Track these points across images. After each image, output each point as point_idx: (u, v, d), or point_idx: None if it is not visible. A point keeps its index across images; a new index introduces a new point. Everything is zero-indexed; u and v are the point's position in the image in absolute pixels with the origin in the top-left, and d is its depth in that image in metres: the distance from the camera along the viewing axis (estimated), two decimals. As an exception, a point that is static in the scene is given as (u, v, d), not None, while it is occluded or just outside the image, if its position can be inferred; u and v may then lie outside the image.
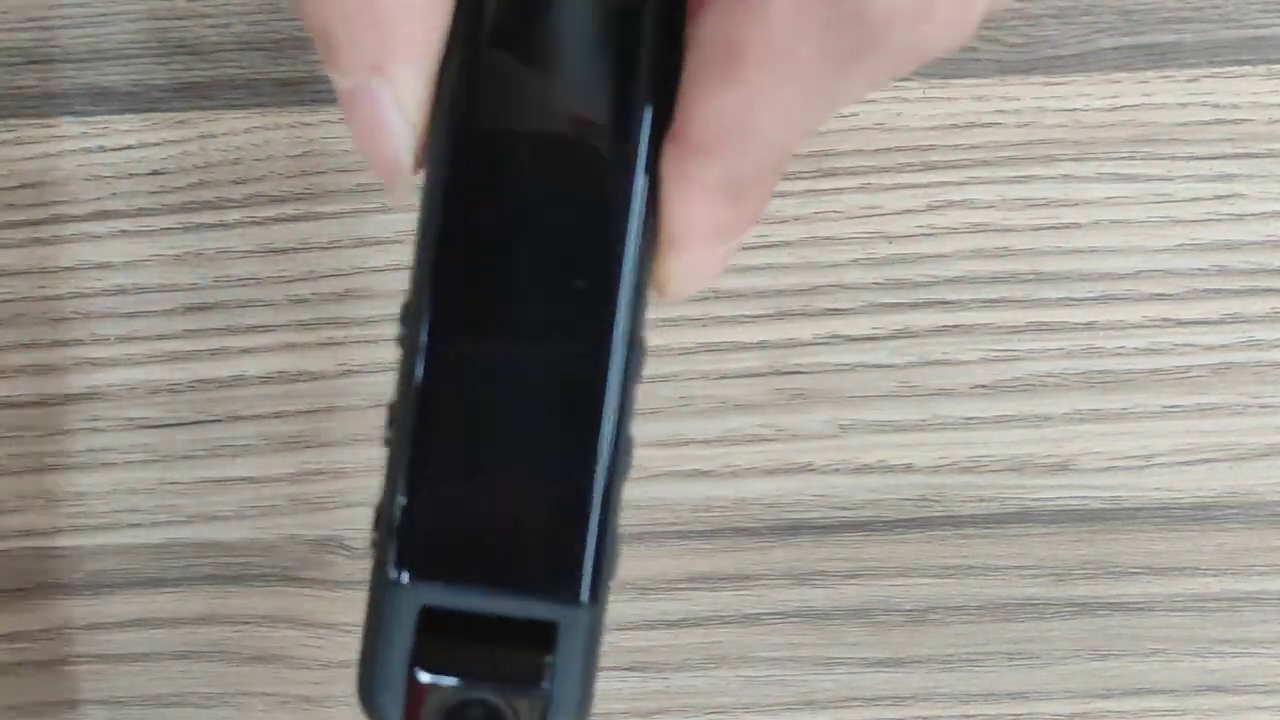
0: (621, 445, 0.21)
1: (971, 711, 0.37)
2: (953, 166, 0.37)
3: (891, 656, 0.37)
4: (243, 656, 0.37)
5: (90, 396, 0.37)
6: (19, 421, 0.37)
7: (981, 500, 0.37)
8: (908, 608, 0.37)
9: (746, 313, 0.37)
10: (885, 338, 0.37)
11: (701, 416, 0.37)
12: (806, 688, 0.37)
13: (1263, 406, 0.37)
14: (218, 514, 0.37)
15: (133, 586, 0.37)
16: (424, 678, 0.20)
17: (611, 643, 0.36)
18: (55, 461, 0.37)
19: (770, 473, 0.37)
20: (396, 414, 0.20)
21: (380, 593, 0.20)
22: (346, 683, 0.37)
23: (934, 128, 0.37)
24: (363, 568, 0.37)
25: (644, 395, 0.37)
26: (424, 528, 0.20)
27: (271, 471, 0.37)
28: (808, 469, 0.37)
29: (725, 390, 0.37)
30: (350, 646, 0.37)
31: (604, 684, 0.36)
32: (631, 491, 0.37)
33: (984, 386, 0.37)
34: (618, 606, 0.37)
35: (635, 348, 0.21)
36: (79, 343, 0.37)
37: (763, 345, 0.37)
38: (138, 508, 0.37)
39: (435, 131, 0.22)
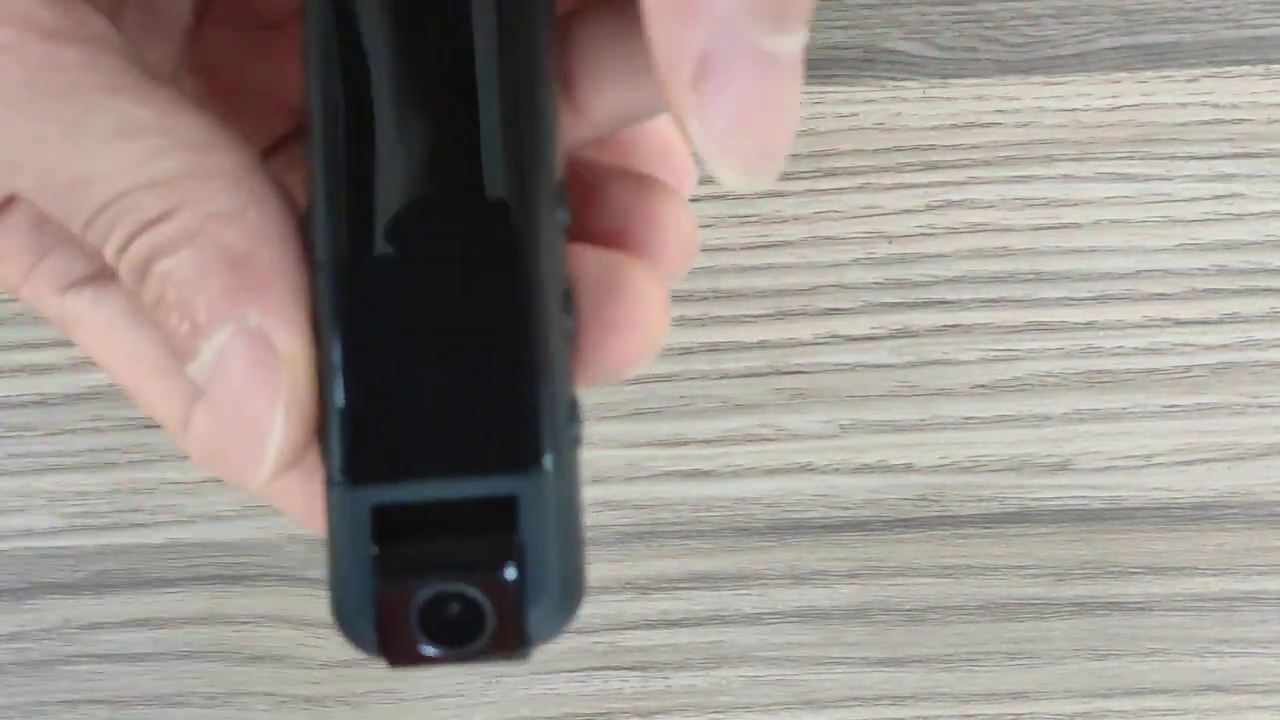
0: (551, 299, 0.20)
1: (971, 711, 0.37)
2: (953, 166, 0.37)
3: (891, 656, 0.37)
4: (243, 656, 0.37)
5: (91, 396, 0.37)
6: (21, 421, 0.37)
7: (981, 500, 0.37)
8: (907, 607, 0.37)
9: (746, 312, 0.37)
10: (885, 338, 0.37)
11: (701, 416, 0.37)
12: (806, 687, 0.37)
13: (1262, 406, 0.37)
14: (218, 514, 0.37)
15: (134, 586, 0.37)
16: (388, 582, 0.19)
17: (612, 642, 0.37)
18: (56, 461, 0.37)
19: (770, 472, 0.37)
20: (319, 318, 0.20)
21: (331, 505, 0.20)
22: (347, 682, 0.37)
23: (934, 128, 0.37)
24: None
25: (644, 395, 0.37)
26: (364, 430, 0.19)
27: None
28: (808, 469, 0.37)
29: (725, 390, 0.37)
30: (349, 645, 0.37)
31: (604, 684, 0.37)
32: (631, 491, 0.37)
33: (983, 386, 0.37)
34: (618, 605, 0.37)
35: (547, 197, 0.20)
36: (79, 343, 0.37)
37: (763, 345, 0.37)
38: (139, 507, 0.37)
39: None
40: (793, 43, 0.18)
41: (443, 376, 0.19)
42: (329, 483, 0.20)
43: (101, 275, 0.24)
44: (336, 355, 0.20)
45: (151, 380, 0.23)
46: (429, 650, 0.19)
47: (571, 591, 0.19)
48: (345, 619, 0.20)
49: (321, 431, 0.20)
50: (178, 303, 0.21)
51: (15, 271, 0.24)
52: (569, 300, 0.20)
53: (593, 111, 0.22)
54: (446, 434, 0.19)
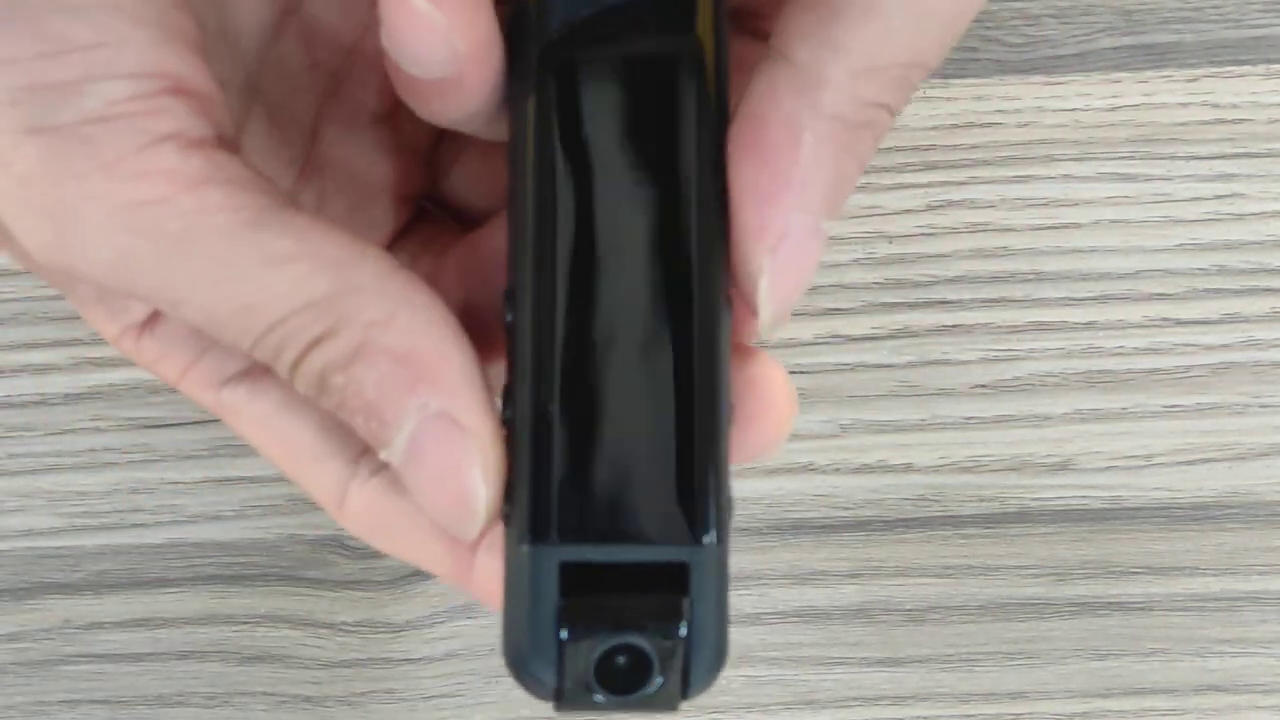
0: (724, 394, 0.23)
1: (971, 711, 0.36)
2: (953, 166, 0.37)
3: (891, 656, 0.37)
4: (243, 656, 0.37)
5: (90, 396, 0.37)
6: (20, 421, 0.37)
7: (981, 500, 0.37)
8: (908, 607, 0.37)
9: (747, 313, 0.37)
10: (885, 337, 0.37)
11: (702, 416, 0.37)
12: (806, 687, 0.36)
13: (1263, 406, 0.37)
14: (219, 514, 0.37)
15: (134, 586, 0.37)
16: (573, 632, 0.22)
17: (612, 642, 0.36)
18: (55, 461, 0.37)
19: (770, 473, 0.37)
20: (512, 394, 0.23)
21: (518, 561, 0.22)
22: (347, 683, 0.37)
23: (934, 128, 0.37)
24: (362, 567, 0.37)
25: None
26: (555, 495, 0.22)
27: (272, 471, 0.36)
28: (808, 469, 0.37)
29: (725, 390, 0.37)
30: (350, 646, 0.36)
31: (604, 684, 0.36)
32: (632, 491, 0.37)
33: (984, 386, 0.37)
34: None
35: (722, 304, 0.23)
36: (79, 342, 0.37)
37: (762, 345, 0.37)
38: (139, 507, 0.37)
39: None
40: (832, 228, 0.24)
41: (628, 453, 0.22)
42: (518, 540, 0.22)
43: (255, 371, 0.26)
44: (529, 433, 0.22)
45: (308, 465, 0.26)
46: (600, 697, 0.21)
47: (724, 650, 0.22)
48: (524, 663, 0.22)
49: (510, 495, 0.23)
50: (362, 407, 0.23)
51: (173, 370, 0.27)
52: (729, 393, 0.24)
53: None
54: (629, 504, 0.22)
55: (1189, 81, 0.38)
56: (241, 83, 0.28)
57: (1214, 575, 0.37)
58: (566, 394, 0.22)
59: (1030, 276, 0.38)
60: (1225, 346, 0.37)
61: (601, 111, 0.23)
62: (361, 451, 0.26)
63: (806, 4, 0.24)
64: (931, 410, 0.37)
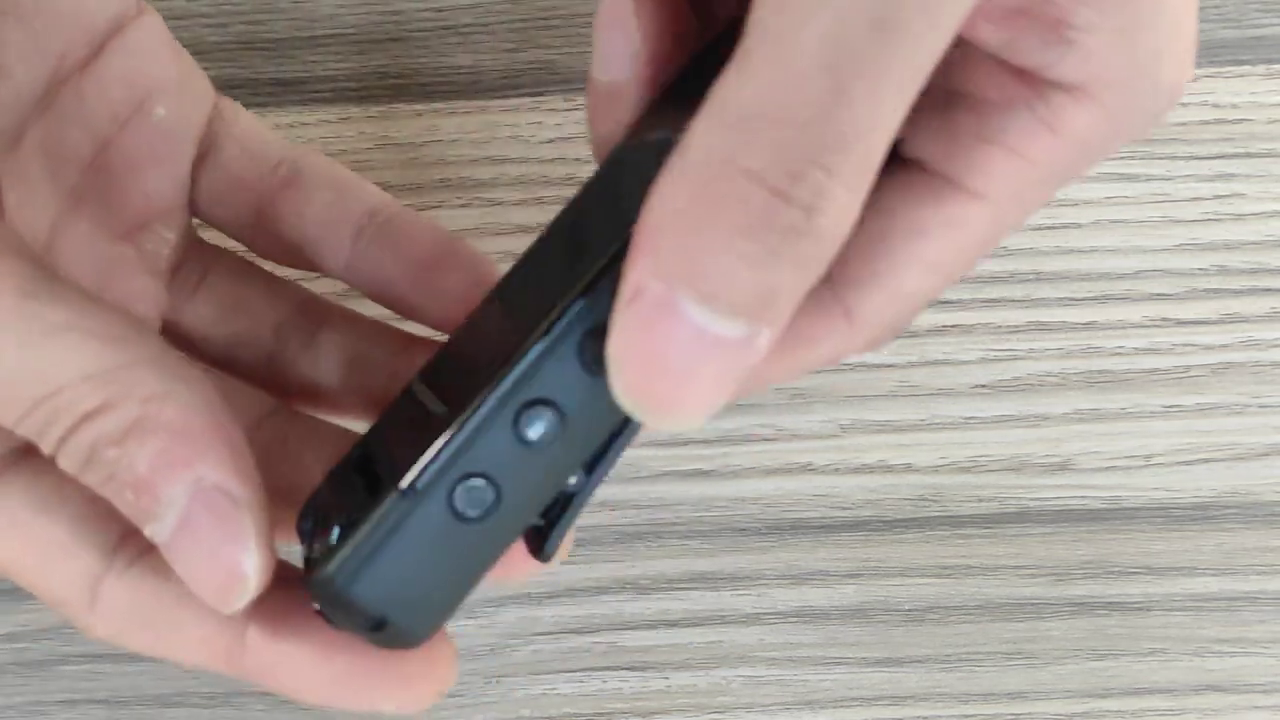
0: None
1: (970, 711, 0.36)
2: (952, 166, 0.37)
3: (891, 656, 0.37)
4: (242, 656, 0.37)
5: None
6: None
7: (980, 500, 0.37)
8: (907, 607, 0.37)
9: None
10: (885, 338, 0.37)
11: (701, 416, 0.37)
12: (806, 687, 0.37)
13: (1262, 406, 0.37)
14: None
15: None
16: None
17: (612, 642, 0.37)
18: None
19: (770, 473, 0.37)
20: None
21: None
22: (346, 683, 0.37)
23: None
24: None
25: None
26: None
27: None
28: (807, 469, 0.37)
29: (725, 390, 0.37)
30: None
31: (604, 684, 0.36)
32: (631, 491, 0.37)
33: (983, 386, 0.37)
34: (618, 605, 0.37)
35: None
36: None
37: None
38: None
39: None
40: (724, 327, 0.20)
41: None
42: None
43: None
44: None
45: (57, 563, 0.25)
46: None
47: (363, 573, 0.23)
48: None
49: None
50: (132, 483, 0.23)
51: None
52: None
53: (863, 316, 0.24)
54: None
55: (1189, 81, 0.38)
56: None
57: (1213, 575, 0.37)
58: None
59: (1030, 276, 0.38)
60: (1224, 346, 0.37)
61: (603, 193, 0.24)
62: (118, 541, 0.25)
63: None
64: (931, 410, 0.37)
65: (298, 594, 0.24)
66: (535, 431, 0.22)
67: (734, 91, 0.20)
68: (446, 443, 0.22)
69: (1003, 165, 0.23)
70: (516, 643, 0.37)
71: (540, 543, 0.24)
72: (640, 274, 0.20)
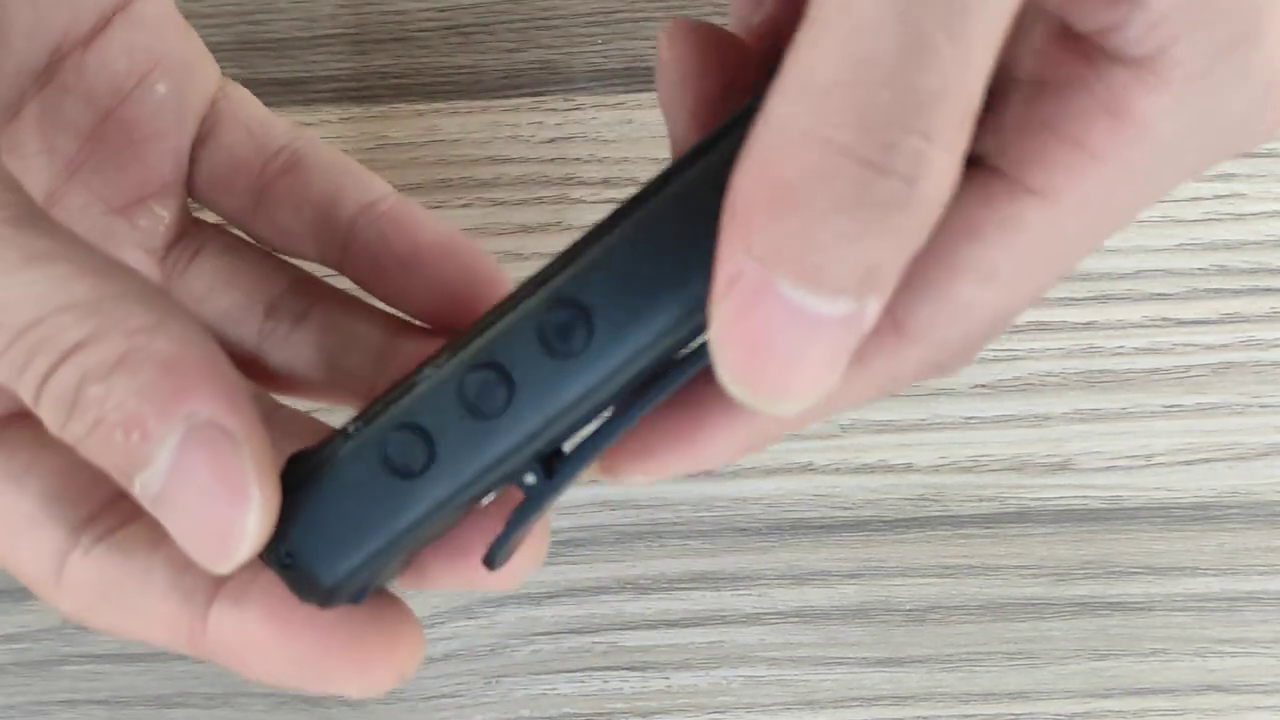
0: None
1: (971, 711, 0.36)
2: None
3: (891, 656, 0.37)
4: (243, 656, 0.37)
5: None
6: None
7: (981, 500, 0.37)
8: (908, 607, 0.37)
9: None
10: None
11: (702, 416, 0.37)
12: (806, 687, 0.36)
13: (1262, 406, 0.37)
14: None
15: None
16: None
17: (612, 642, 0.36)
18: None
19: (770, 472, 0.37)
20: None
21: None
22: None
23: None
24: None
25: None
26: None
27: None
28: (808, 469, 0.37)
29: (725, 390, 0.37)
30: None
31: (604, 684, 0.36)
32: (631, 491, 0.37)
33: (984, 386, 0.37)
34: (618, 605, 0.37)
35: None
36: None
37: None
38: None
39: None
40: (827, 306, 0.19)
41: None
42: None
43: None
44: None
45: (24, 534, 0.24)
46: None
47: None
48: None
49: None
50: (122, 419, 0.21)
51: None
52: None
53: (914, 328, 0.22)
54: None
55: None
56: None
57: (1214, 575, 0.37)
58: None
59: (1030, 276, 0.38)
60: (1225, 346, 0.37)
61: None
62: (86, 519, 0.24)
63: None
64: (931, 410, 0.37)
65: (257, 571, 0.23)
66: (478, 395, 0.22)
67: (806, 57, 0.18)
68: (390, 391, 0.22)
69: (1063, 157, 0.21)
70: (516, 643, 0.36)
71: (493, 547, 0.24)
72: (734, 258, 0.19)
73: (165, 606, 0.24)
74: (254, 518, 0.21)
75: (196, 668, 0.37)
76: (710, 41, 0.23)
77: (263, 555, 0.22)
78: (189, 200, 0.30)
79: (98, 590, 0.24)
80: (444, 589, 0.24)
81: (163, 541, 0.23)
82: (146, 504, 0.22)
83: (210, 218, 0.30)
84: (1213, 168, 0.22)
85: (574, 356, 0.22)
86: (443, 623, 0.37)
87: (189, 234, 0.30)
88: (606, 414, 0.23)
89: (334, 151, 0.29)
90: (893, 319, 0.22)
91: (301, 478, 0.22)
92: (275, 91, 0.38)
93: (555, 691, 0.36)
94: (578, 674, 0.36)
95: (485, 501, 0.23)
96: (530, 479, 0.22)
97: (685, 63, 0.23)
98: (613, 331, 0.21)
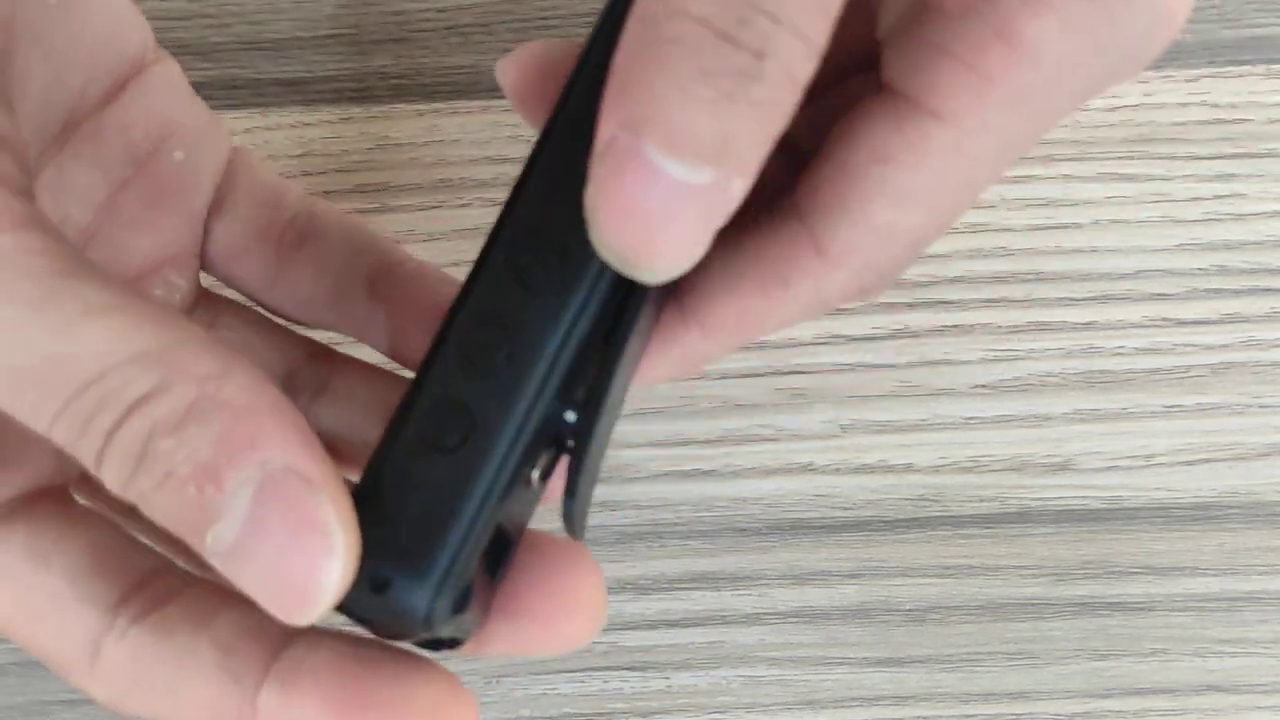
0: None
1: (971, 711, 0.36)
2: (953, 166, 0.37)
3: (892, 656, 0.37)
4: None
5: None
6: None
7: (982, 500, 0.37)
8: (908, 608, 0.37)
9: (746, 313, 0.37)
10: (885, 337, 0.37)
11: (701, 416, 0.37)
12: (807, 688, 0.36)
13: (1262, 406, 0.37)
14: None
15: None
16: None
17: (612, 642, 0.36)
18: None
19: (770, 473, 0.37)
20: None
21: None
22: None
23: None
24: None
25: (645, 395, 0.37)
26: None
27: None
28: (808, 469, 0.37)
29: (725, 390, 0.37)
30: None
31: (604, 684, 0.36)
32: (632, 491, 0.37)
33: (984, 386, 0.37)
34: (619, 605, 0.37)
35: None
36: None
37: (763, 345, 0.37)
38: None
39: None
40: (690, 173, 0.20)
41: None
42: None
43: None
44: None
45: (54, 618, 0.23)
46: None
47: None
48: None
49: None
50: (193, 471, 0.20)
51: None
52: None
53: (835, 251, 0.24)
54: None
55: (1188, 81, 0.38)
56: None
57: (1214, 575, 0.37)
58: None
59: (1030, 276, 0.37)
60: (1225, 346, 0.37)
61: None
62: (120, 599, 0.23)
63: None
64: (931, 410, 0.37)
65: (307, 651, 0.23)
66: (485, 353, 0.23)
67: None
68: (415, 382, 0.23)
69: (960, 81, 0.22)
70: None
71: (567, 504, 0.24)
72: (608, 124, 0.20)
73: (211, 690, 0.23)
74: (338, 563, 0.21)
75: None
76: (542, 61, 0.25)
77: (340, 606, 0.22)
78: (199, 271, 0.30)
79: (136, 674, 0.23)
80: (505, 654, 0.24)
81: (207, 621, 0.23)
82: (216, 560, 0.21)
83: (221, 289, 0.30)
84: (1104, 93, 0.23)
85: (542, 294, 0.23)
86: (443, 623, 0.37)
87: (202, 305, 0.29)
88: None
89: (347, 217, 0.29)
90: (814, 242, 0.23)
91: (355, 504, 0.22)
92: (276, 92, 0.38)
93: (555, 691, 0.36)
94: (578, 674, 0.36)
95: (537, 474, 0.23)
96: (570, 416, 0.23)
97: (528, 87, 0.25)
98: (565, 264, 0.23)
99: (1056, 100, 0.22)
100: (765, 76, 0.20)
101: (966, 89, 0.22)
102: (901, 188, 0.23)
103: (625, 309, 0.23)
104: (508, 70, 0.25)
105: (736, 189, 0.20)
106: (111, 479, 0.21)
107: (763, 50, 0.20)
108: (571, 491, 0.23)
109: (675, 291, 0.25)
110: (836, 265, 0.23)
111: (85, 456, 0.21)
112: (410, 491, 0.22)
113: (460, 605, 0.22)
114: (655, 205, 0.20)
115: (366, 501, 0.22)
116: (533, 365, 0.23)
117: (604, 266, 0.23)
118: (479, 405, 0.22)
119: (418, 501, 0.22)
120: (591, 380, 0.23)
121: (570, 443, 0.23)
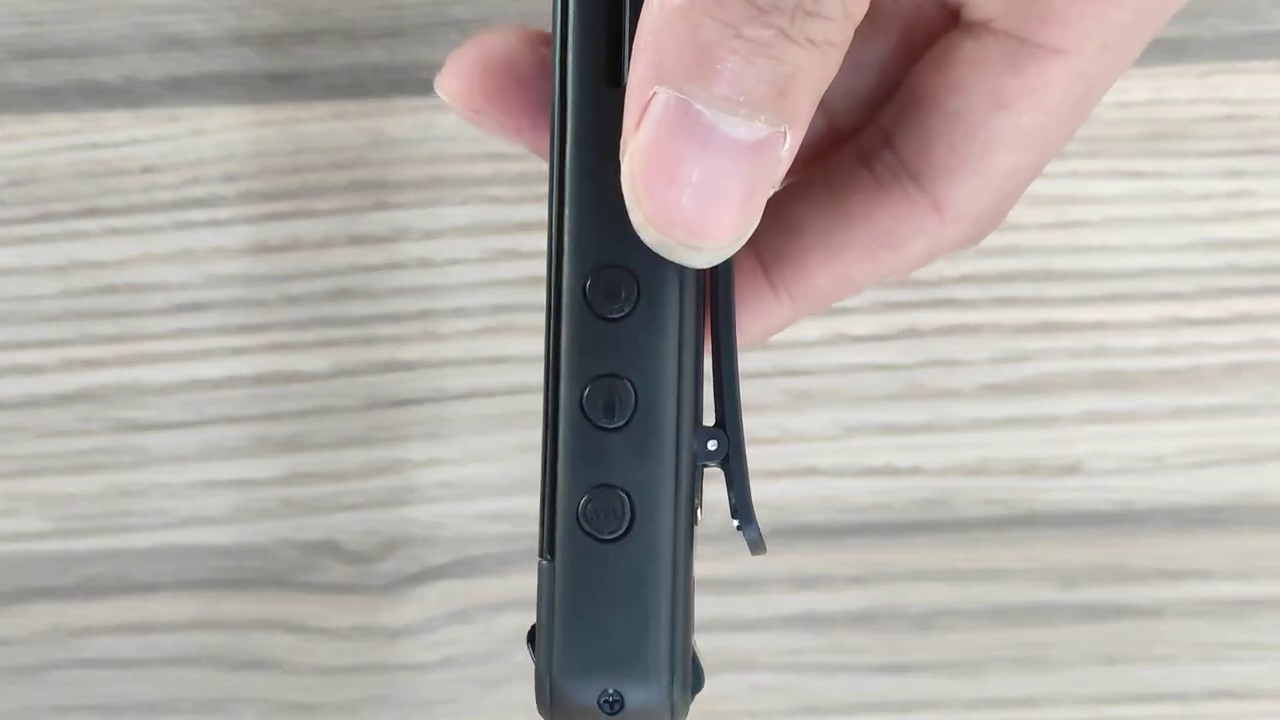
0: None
1: (978, 718, 0.36)
2: (960, 163, 0.37)
3: (897, 662, 0.36)
4: (235, 662, 0.37)
5: (79, 398, 0.37)
6: (8, 423, 0.37)
7: (989, 503, 0.37)
8: (914, 613, 0.37)
9: (749, 312, 0.37)
10: (892, 337, 0.37)
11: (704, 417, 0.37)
12: (811, 694, 0.36)
13: (1275, 407, 0.37)
14: (210, 518, 0.37)
15: (124, 591, 0.37)
16: None
17: (612, 649, 0.36)
18: (44, 464, 0.37)
19: (775, 475, 0.37)
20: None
21: None
22: (340, 689, 0.37)
23: (940, 123, 0.37)
24: (357, 572, 0.37)
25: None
26: None
27: (264, 474, 0.37)
28: (813, 471, 0.37)
29: (728, 391, 0.37)
30: (345, 652, 0.36)
31: (604, 691, 0.36)
32: (632, 494, 0.37)
33: (992, 387, 0.37)
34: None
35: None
36: (68, 343, 0.37)
37: (768, 345, 0.37)
38: (129, 510, 0.37)
39: None
40: (746, 128, 0.18)
41: None
42: None
43: None
44: None
45: None
46: None
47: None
48: None
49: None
50: None
51: None
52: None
53: (955, 208, 0.23)
54: None
55: (1200, 78, 0.38)
56: None
57: (1225, 579, 0.37)
58: None
59: (1039, 275, 0.37)
60: (1237, 346, 0.37)
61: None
62: None
63: None
64: (938, 411, 0.37)
65: None
66: (608, 412, 0.21)
67: None
68: (548, 473, 0.21)
69: (1078, 9, 0.21)
70: (514, 648, 0.36)
71: (741, 524, 0.23)
72: (645, 81, 0.18)
73: None
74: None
75: (188, 674, 0.36)
76: (488, 60, 0.23)
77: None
78: None
79: None
80: None
81: None
82: None
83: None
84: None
85: (635, 335, 0.21)
86: (439, 628, 0.36)
87: None
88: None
89: None
90: (932, 200, 0.22)
91: (549, 629, 0.21)
92: (267, 86, 0.38)
93: (554, 699, 0.36)
94: (577, 681, 0.36)
95: (699, 509, 0.23)
96: (712, 444, 0.22)
97: (483, 96, 0.23)
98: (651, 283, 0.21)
99: (1162, 8, 0.22)
100: (821, 10, 0.18)
101: (1086, 16, 0.21)
102: (1025, 131, 0.22)
103: (715, 305, 0.22)
104: (450, 84, 0.23)
105: (789, 146, 0.19)
106: None
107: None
108: (748, 516, 0.23)
109: (757, 264, 0.24)
110: (955, 220, 0.22)
111: None
112: (595, 593, 0.21)
113: (697, 684, 0.22)
114: (706, 170, 0.18)
115: (555, 617, 0.21)
116: (663, 416, 0.21)
117: (681, 272, 0.21)
118: (629, 481, 0.21)
119: (609, 601, 0.21)
120: (717, 397, 0.22)
121: (707, 464, 0.22)
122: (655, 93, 0.18)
